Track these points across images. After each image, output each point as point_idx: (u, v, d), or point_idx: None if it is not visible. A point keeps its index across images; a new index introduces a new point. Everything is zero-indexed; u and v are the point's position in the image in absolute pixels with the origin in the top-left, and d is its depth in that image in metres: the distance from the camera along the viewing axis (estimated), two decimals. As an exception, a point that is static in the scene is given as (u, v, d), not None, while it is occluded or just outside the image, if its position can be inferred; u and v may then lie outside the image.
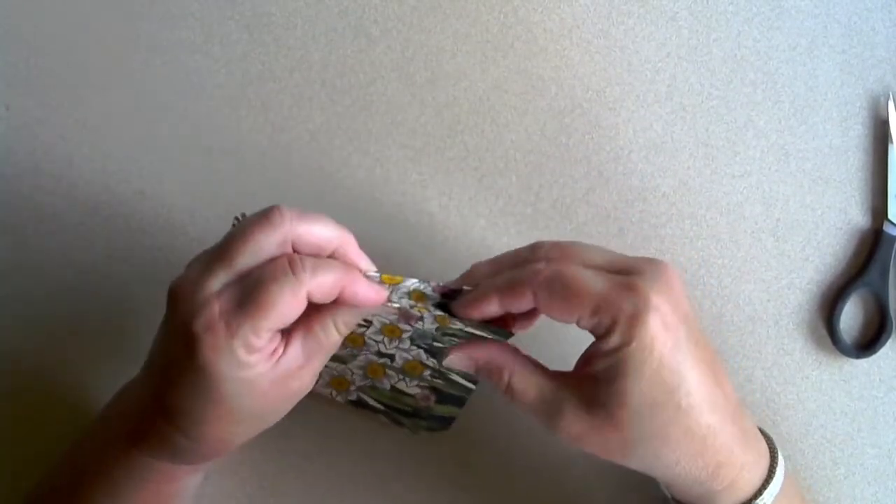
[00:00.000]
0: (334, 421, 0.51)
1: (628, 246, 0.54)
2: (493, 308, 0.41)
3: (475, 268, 0.44)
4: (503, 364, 0.42)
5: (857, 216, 0.55)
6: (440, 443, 0.51)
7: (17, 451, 0.50)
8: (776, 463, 0.42)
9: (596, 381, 0.39)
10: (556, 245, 0.42)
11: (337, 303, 0.40)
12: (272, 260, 0.38)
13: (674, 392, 0.38)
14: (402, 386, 0.50)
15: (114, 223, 0.54)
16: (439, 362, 0.49)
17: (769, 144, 0.56)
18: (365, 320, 0.48)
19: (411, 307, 0.43)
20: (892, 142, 0.55)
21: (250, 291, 0.37)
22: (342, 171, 0.55)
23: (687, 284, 0.54)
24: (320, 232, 0.39)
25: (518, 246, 0.44)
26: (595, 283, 0.38)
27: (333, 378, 0.50)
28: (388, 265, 0.42)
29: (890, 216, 0.54)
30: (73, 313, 0.53)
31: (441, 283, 0.42)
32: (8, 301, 0.53)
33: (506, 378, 0.42)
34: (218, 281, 0.38)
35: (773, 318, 0.54)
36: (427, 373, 0.49)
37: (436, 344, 0.48)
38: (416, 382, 0.50)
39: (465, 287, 0.42)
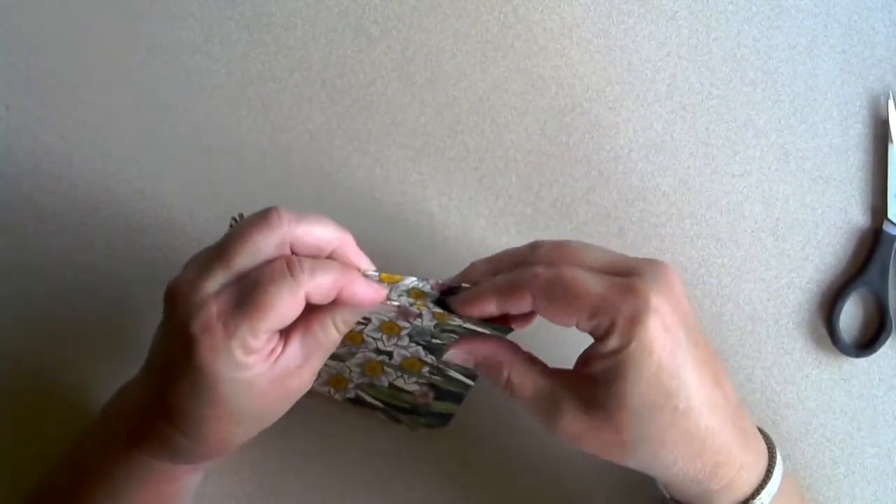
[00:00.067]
0: (334, 420, 0.51)
1: (628, 246, 0.54)
2: (490, 308, 0.41)
3: (473, 266, 0.44)
4: (503, 360, 0.42)
5: (857, 216, 0.55)
6: (440, 440, 0.51)
7: (17, 451, 0.50)
8: (775, 463, 0.42)
9: (595, 382, 0.39)
10: (555, 245, 0.42)
11: (336, 302, 0.40)
12: (270, 261, 0.38)
13: (673, 395, 0.38)
14: (400, 383, 0.50)
15: (114, 223, 0.54)
16: (438, 359, 0.49)
17: (769, 144, 0.56)
18: (363, 318, 0.48)
19: (411, 305, 0.43)
20: (892, 141, 0.55)
21: (248, 293, 0.37)
22: (342, 171, 0.55)
23: (687, 284, 0.54)
24: (319, 233, 0.39)
25: (517, 245, 0.43)
26: (593, 285, 0.38)
27: (331, 376, 0.50)
28: (388, 265, 0.42)
29: (890, 216, 0.54)
30: (73, 313, 0.53)
31: (440, 281, 0.42)
32: (8, 301, 0.53)
33: (505, 374, 0.42)
34: (215, 282, 0.38)
35: (773, 317, 0.54)
36: (425, 369, 0.49)
37: (434, 341, 0.48)
38: (414, 379, 0.50)
39: (463, 284, 0.42)
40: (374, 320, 0.48)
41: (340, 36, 0.57)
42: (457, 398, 0.50)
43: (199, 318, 0.37)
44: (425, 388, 0.50)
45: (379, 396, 0.50)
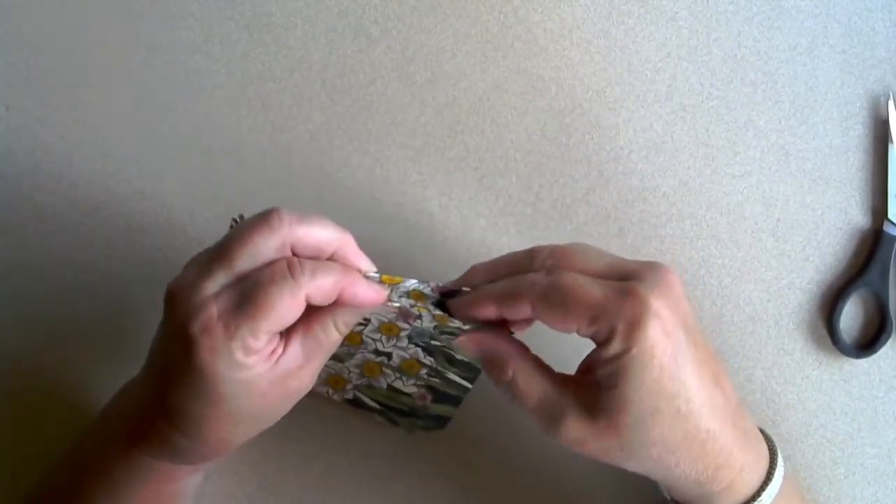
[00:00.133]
0: (334, 421, 0.51)
1: (628, 246, 0.54)
2: (489, 313, 0.41)
3: (474, 269, 0.44)
4: (510, 358, 0.42)
5: (857, 216, 0.55)
6: (439, 441, 0.51)
7: (17, 451, 0.50)
8: (776, 464, 0.42)
9: (597, 388, 0.39)
10: (555, 251, 0.41)
11: (337, 304, 0.40)
12: (271, 263, 0.38)
13: (674, 398, 0.38)
14: (398, 385, 0.50)
15: (114, 223, 0.54)
16: (436, 361, 0.49)
17: (769, 144, 0.56)
18: (363, 319, 0.48)
19: (411, 306, 0.43)
20: (892, 142, 0.55)
21: (249, 294, 0.37)
22: (342, 171, 0.55)
23: (687, 285, 0.54)
24: (319, 234, 0.39)
25: (518, 246, 0.43)
26: (592, 291, 0.38)
27: (330, 377, 0.50)
28: (388, 265, 0.42)
29: (890, 216, 0.54)
30: (73, 313, 0.53)
31: (440, 284, 0.42)
32: (8, 301, 0.53)
33: (509, 374, 0.41)
34: (215, 283, 0.38)
35: (773, 318, 0.54)
36: (424, 371, 0.49)
37: (433, 342, 0.48)
38: (412, 381, 0.50)
39: (464, 288, 0.42)
40: (373, 321, 0.48)
41: (340, 36, 0.57)
42: (455, 401, 0.50)
43: (198, 319, 0.37)
44: (423, 391, 0.50)
45: (377, 398, 0.50)
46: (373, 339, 0.48)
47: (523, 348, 0.43)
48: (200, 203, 0.54)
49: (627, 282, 0.39)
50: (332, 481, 0.51)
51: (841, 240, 0.55)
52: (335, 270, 0.39)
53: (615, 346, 0.38)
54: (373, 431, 0.51)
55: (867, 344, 0.54)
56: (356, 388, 0.50)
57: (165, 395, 0.39)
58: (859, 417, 0.53)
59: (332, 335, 0.41)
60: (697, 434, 0.39)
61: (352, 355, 0.49)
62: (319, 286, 0.38)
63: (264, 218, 0.38)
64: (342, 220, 0.41)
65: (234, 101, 0.56)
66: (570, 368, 0.42)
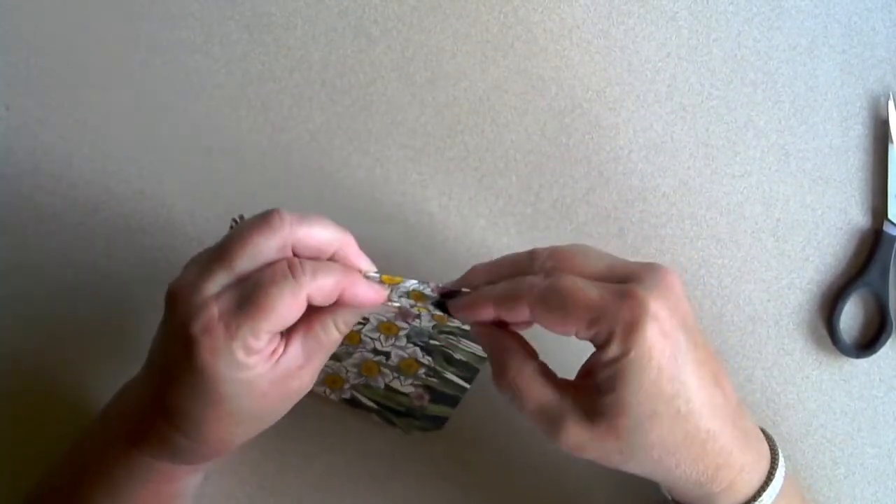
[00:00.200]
0: (333, 421, 0.51)
1: (628, 246, 0.54)
2: (487, 315, 0.41)
3: (474, 270, 0.43)
4: (515, 356, 0.41)
5: (857, 216, 0.55)
6: (439, 441, 0.51)
7: (17, 451, 0.50)
8: (776, 464, 0.42)
9: (597, 392, 0.39)
10: (554, 253, 0.41)
11: (337, 303, 0.40)
12: (272, 263, 0.38)
13: (673, 399, 0.38)
14: (396, 384, 0.50)
15: (114, 223, 0.54)
16: (435, 360, 0.49)
17: (769, 144, 0.56)
18: (363, 318, 0.48)
19: (411, 307, 0.43)
20: (892, 142, 0.55)
21: (249, 294, 0.37)
22: (342, 171, 0.55)
23: (687, 285, 0.54)
24: (320, 234, 0.39)
25: (518, 246, 0.44)
26: (591, 294, 0.38)
27: (328, 376, 0.50)
28: (388, 265, 0.42)
29: (890, 216, 0.54)
30: (73, 313, 0.53)
31: (440, 284, 0.42)
32: (8, 301, 0.53)
33: (511, 374, 0.41)
34: (216, 283, 0.38)
35: (774, 318, 0.54)
36: (422, 371, 0.49)
37: (432, 342, 0.48)
38: (410, 381, 0.50)
39: (463, 289, 0.42)
40: (372, 320, 0.48)
41: (340, 36, 0.57)
42: (452, 401, 0.50)
43: (199, 319, 0.37)
44: (421, 391, 0.50)
45: (374, 398, 0.50)
46: (371, 339, 0.48)
47: (530, 350, 0.42)
48: (200, 203, 0.54)
49: (626, 284, 0.39)
50: (331, 481, 0.51)
51: (841, 240, 0.55)
52: (336, 271, 0.39)
53: (614, 349, 0.37)
54: (372, 431, 0.51)
55: (867, 344, 0.54)
56: (354, 387, 0.50)
57: (166, 395, 0.39)
58: (859, 417, 0.53)
59: (332, 335, 0.41)
60: (697, 434, 0.39)
61: (350, 354, 0.49)
62: (320, 286, 0.38)
63: (265, 218, 0.38)
64: (342, 220, 0.41)
65: (234, 101, 0.56)
66: (571, 373, 0.42)
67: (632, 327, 0.37)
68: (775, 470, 0.42)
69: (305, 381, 0.41)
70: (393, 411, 0.51)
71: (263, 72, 0.56)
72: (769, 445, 0.43)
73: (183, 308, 0.37)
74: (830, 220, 0.55)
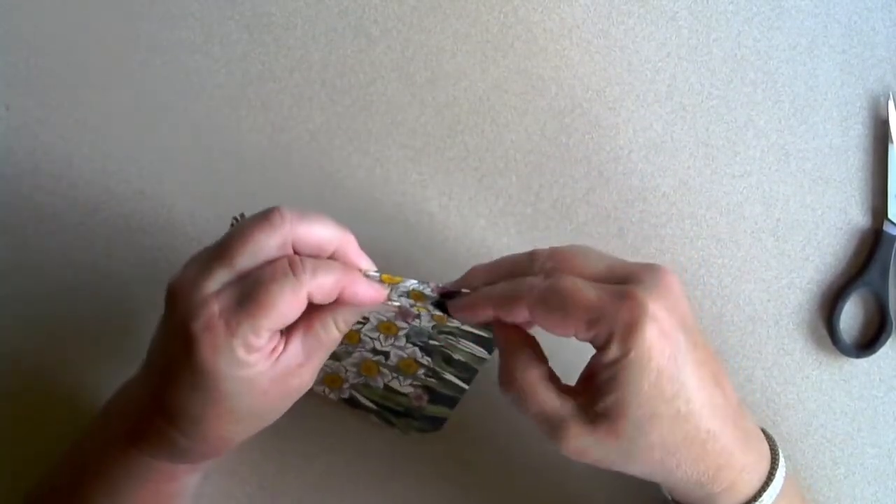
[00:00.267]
0: (333, 421, 0.51)
1: (628, 246, 0.54)
2: (486, 315, 0.41)
3: (473, 271, 0.43)
4: (524, 358, 0.41)
5: (857, 216, 0.55)
6: (439, 441, 0.51)
7: (17, 451, 0.50)
8: (777, 464, 0.42)
9: (598, 393, 0.39)
10: (554, 254, 0.41)
11: (337, 302, 0.40)
12: (273, 261, 0.38)
13: (673, 399, 0.38)
14: (395, 384, 0.50)
15: (114, 223, 0.54)
16: (434, 361, 0.49)
17: (769, 144, 0.56)
18: (362, 317, 0.48)
19: (411, 306, 0.43)
20: (892, 142, 0.55)
21: (250, 291, 0.37)
22: (342, 171, 0.55)
23: (687, 285, 0.54)
24: (320, 233, 0.39)
25: (518, 247, 0.44)
26: (590, 295, 0.38)
27: (327, 375, 0.50)
28: (388, 265, 0.42)
29: (890, 216, 0.54)
30: (73, 313, 0.53)
31: (440, 285, 0.43)
32: (8, 301, 0.53)
33: (517, 376, 0.41)
34: (216, 281, 0.38)
35: (774, 318, 0.54)
36: (421, 371, 0.49)
37: (431, 342, 0.48)
38: (409, 381, 0.50)
39: (463, 290, 0.42)
40: (372, 320, 0.48)
41: (340, 36, 0.57)
42: (451, 402, 0.50)
43: (200, 316, 0.37)
44: (420, 391, 0.50)
45: (373, 398, 0.50)
46: (371, 338, 0.48)
47: (541, 354, 0.42)
48: (200, 203, 0.54)
49: (625, 285, 0.39)
50: (331, 481, 0.51)
51: (841, 240, 0.55)
52: (336, 269, 0.39)
53: (613, 351, 0.37)
54: (372, 431, 0.51)
55: (867, 344, 0.54)
56: (353, 387, 0.50)
57: (165, 393, 0.39)
58: (859, 417, 0.53)
59: (332, 333, 0.41)
60: (698, 434, 0.39)
61: (349, 354, 0.49)
62: (321, 284, 0.38)
63: (266, 216, 0.38)
64: (342, 220, 0.41)
65: (234, 101, 0.56)
66: (573, 376, 0.42)
67: (631, 328, 0.37)
68: (776, 470, 0.42)
69: (305, 379, 0.41)
70: (392, 411, 0.51)
71: (263, 72, 0.56)
72: (770, 446, 0.43)
73: (183, 305, 0.37)
74: (830, 220, 0.55)
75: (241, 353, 0.37)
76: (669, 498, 0.44)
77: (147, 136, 0.55)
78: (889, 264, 0.54)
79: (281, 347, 0.39)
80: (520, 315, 0.40)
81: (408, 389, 0.50)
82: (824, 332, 0.54)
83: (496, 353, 0.50)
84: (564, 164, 0.55)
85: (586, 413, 0.39)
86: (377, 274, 0.41)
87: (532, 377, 0.40)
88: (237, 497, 0.51)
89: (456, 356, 0.50)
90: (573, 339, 0.40)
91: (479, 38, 0.57)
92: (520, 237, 0.54)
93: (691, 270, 0.54)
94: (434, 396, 0.50)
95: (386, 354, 0.49)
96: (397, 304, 0.42)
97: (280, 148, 0.55)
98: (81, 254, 0.53)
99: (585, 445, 0.39)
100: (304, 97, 0.56)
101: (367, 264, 0.41)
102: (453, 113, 0.56)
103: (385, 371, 0.50)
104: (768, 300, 0.54)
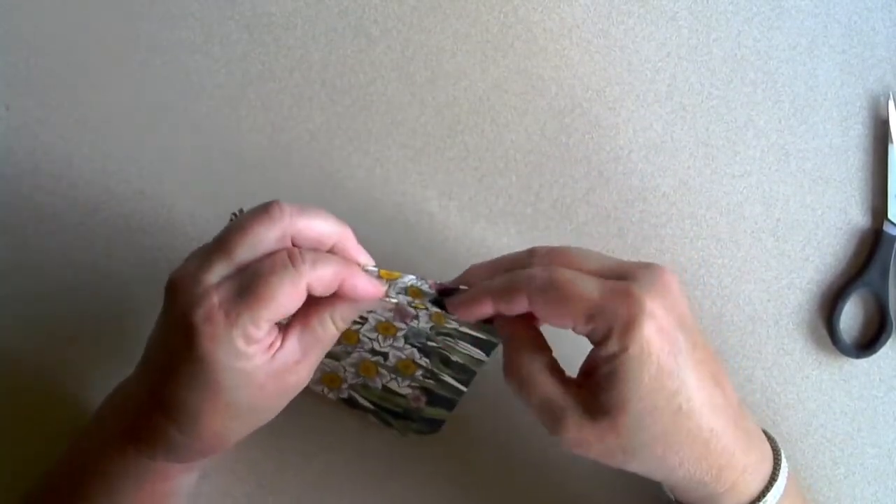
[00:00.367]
0: (332, 420, 0.51)
1: (628, 246, 0.54)
2: (486, 309, 0.41)
3: (472, 269, 0.44)
4: (528, 348, 0.41)
5: (857, 216, 0.55)
6: (438, 440, 0.51)
7: (17, 451, 0.50)
8: (779, 465, 0.42)
9: (598, 388, 0.39)
10: (553, 251, 0.41)
11: (335, 296, 0.40)
12: (272, 253, 0.38)
13: (674, 396, 0.38)
14: (393, 385, 0.50)
15: (114, 223, 0.54)
16: (432, 362, 0.49)
17: (769, 144, 0.56)
18: (360, 317, 0.48)
19: (409, 303, 0.43)
20: (892, 142, 0.55)
21: (250, 283, 0.37)
22: (342, 171, 0.55)
23: (687, 285, 0.54)
24: (319, 226, 0.40)
25: (518, 246, 0.43)
26: (590, 289, 0.38)
27: (326, 375, 0.50)
28: (388, 265, 0.42)
29: (890, 216, 0.54)
30: (73, 313, 0.53)
31: (438, 282, 0.43)
32: (8, 301, 0.53)
33: (520, 365, 0.41)
34: (216, 273, 0.38)
35: (774, 318, 0.54)
36: (419, 373, 0.49)
37: (430, 343, 0.48)
38: (407, 382, 0.50)
39: (461, 287, 0.42)
40: (370, 320, 0.48)
41: (340, 36, 0.57)
42: (449, 404, 0.50)
43: (200, 307, 0.37)
44: (418, 392, 0.50)
45: (371, 398, 0.50)
46: (369, 339, 0.48)
47: (544, 344, 0.42)
48: (200, 203, 0.54)
49: (624, 282, 0.39)
50: (330, 480, 0.51)
51: (841, 240, 0.55)
52: (336, 261, 0.40)
53: (612, 346, 0.38)
54: (371, 431, 0.51)
55: (867, 344, 0.54)
56: (351, 387, 0.50)
57: (164, 387, 0.39)
58: (859, 417, 0.53)
59: (329, 330, 0.41)
60: (700, 433, 0.39)
61: (348, 354, 0.49)
62: (320, 276, 0.38)
63: (265, 209, 0.39)
64: (342, 219, 0.41)
65: (234, 101, 0.56)
66: (573, 369, 0.42)
67: (629, 324, 0.37)
68: (778, 471, 0.42)
69: (302, 376, 0.41)
70: (390, 413, 0.51)
71: (263, 72, 0.56)
72: (771, 447, 0.43)
73: (184, 297, 0.38)
74: (830, 220, 0.55)
75: (240, 344, 0.37)
76: (672, 498, 0.44)
77: (147, 136, 0.55)
78: (889, 264, 0.54)
79: (278, 343, 0.39)
80: (519, 307, 0.40)
81: (406, 391, 0.50)
82: (824, 332, 0.54)
83: (494, 355, 0.50)
84: (564, 164, 0.55)
85: (587, 406, 0.39)
86: (375, 269, 0.41)
87: (533, 367, 0.41)
88: (235, 496, 0.51)
89: (454, 358, 0.50)
90: (574, 333, 0.40)
91: (479, 38, 0.57)
92: (520, 237, 0.54)
93: (691, 270, 0.54)
94: (432, 398, 0.50)
95: (384, 355, 0.49)
96: (395, 300, 0.42)
97: (280, 148, 0.55)
98: (81, 254, 0.53)
99: (585, 438, 0.39)
100: (304, 97, 0.56)
101: (365, 258, 0.41)
102: (453, 113, 0.56)
103: (383, 372, 0.50)
104: (768, 300, 0.54)
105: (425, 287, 0.42)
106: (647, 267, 0.40)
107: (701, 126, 0.56)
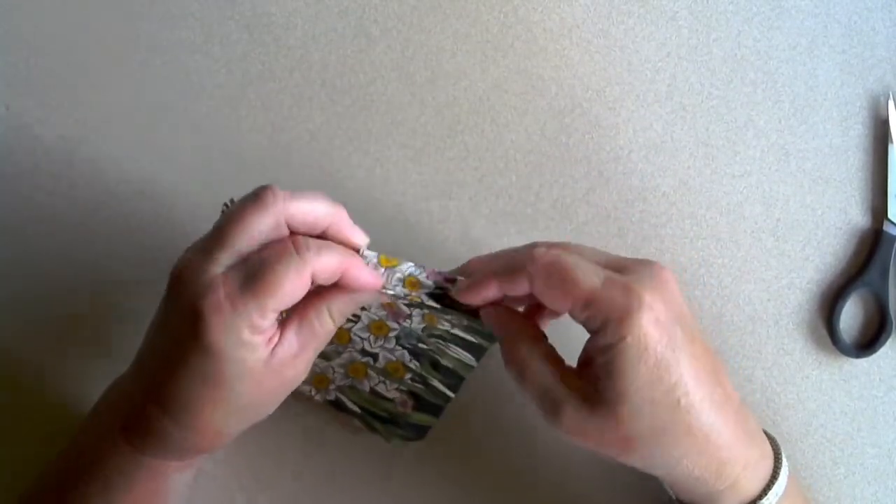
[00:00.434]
0: (332, 419, 0.51)
1: (628, 246, 0.54)
2: (491, 292, 0.42)
3: (473, 262, 0.44)
4: (525, 337, 0.42)
5: (857, 216, 0.55)
6: (438, 440, 0.51)
7: (17, 451, 0.50)
8: (780, 464, 0.42)
9: (596, 379, 0.39)
10: (554, 245, 0.42)
11: (333, 290, 0.41)
12: (277, 242, 0.39)
13: (672, 390, 0.38)
14: (381, 389, 0.50)
15: (114, 223, 0.54)
16: (422, 365, 0.49)
17: (769, 144, 0.56)
18: (354, 315, 0.48)
19: (405, 296, 0.43)
20: (892, 142, 0.55)
21: (255, 272, 0.38)
22: (342, 171, 0.55)
23: (687, 285, 0.54)
24: (313, 209, 0.40)
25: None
26: (591, 276, 0.39)
27: (315, 375, 0.50)
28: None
29: (890, 216, 0.54)
30: (72, 313, 0.53)
31: (437, 270, 0.43)
32: (8, 301, 0.53)
33: (519, 354, 0.41)
34: (220, 264, 0.38)
35: (774, 318, 0.54)
36: (408, 376, 0.49)
37: (420, 345, 0.48)
38: (395, 386, 0.50)
39: (459, 277, 0.43)
40: (363, 319, 0.48)
41: (340, 36, 0.57)
42: (436, 410, 0.50)
43: (208, 297, 0.37)
44: (405, 397, 0.50)
45: (359, 402, 0.50)
46: (361, 338, 0.48)
47: (539, 333, 0.43)
48: (200, 203, 0.54)
49: (623, 275, 0.39)
50: (329, 479, 0.51)
51: (841, 240, 0.55)
52: (340, 251, 0.40)
53: (607, 335, 0.38)
54: (366, 431, 0.51)
55: (867, 344, 0.54)
56: (339, 389, 0.50)
57: (163, 378, 0.39)
58: (859, 417, 0.53)
59: (326, 324, 0.41)
60: (699, 428, 0.39)
61: (339, 354, 0.49)
62: (325, 264, 0.39)
63: (257, 196, 0.39)
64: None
65: (234, 101, 0.56)
66: (574, 361, 0.42)
67: (626, 315, 0.38)
68: (779, 470, 0.42)
69: (300, 369, 0.41)
70: (376, 417, 0.50)
71: (263, 72, 0.56)
72: (773, 447, 0.43)
73: (191, 288, 0.38)
74: (830, 220, 0.55)
75: (246, 334, 0.38)
76: (672, 497, 0.44)
77: (147, 136, 0.55)
78: (889, 264, 0.54)
79: (276, 338, 0.40)
80: (521, 288, 0.41)
81: (394, 394, 0.50)
82: (824, 332, 0.54)
83: (484, 360, 0.50)
84: (564, 164, 0.55)
85: (585, 396, 0.39)
86: (375, 255, 0.41)
87: (532, 355, 0.41)
88: (233, 494, 0.51)
89: (444, 362, 0.50)
90: (568, 329, 0.40)
91: (479, 38, 0.57)
92: (520, 237, 0.54)
93: (691, 270, 0.54)
94: (420, 403, 0.50)
95: (374, 356, 0.49)
96: (392, 293, 0.42)
97: (280, 148, 0.55)
98: (81, 254, 0.53)
99: (583, 427, 0.39)
100: (304, 97, 0.56)
101: (361, 237, 0.42)
102: (453, 113, 0.56)
103: (372, 374, 0.50)
104: (768, 300, 0.54)
105: (423, 276, 0.42)
106: (646, 263, 0.41)
107: (701, 126, 0.56)
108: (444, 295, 0.43)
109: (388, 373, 0.50)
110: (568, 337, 0.42)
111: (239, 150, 0.55)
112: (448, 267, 0.44)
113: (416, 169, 0.55)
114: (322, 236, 0.41)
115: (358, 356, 0.49)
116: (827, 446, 0.53)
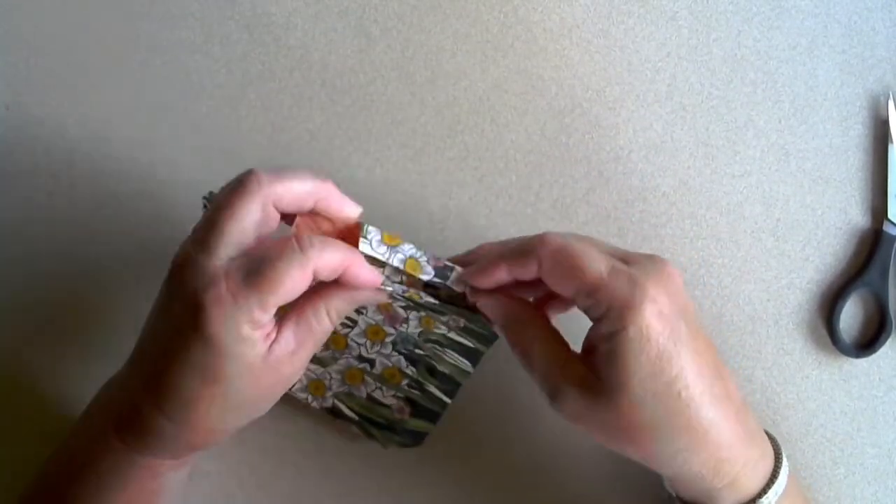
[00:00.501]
0: (331, 418, 0.51)
1: (628, 246, 0.54)
2: (500, 275, 0.42)
3: (484, 246, 0.45)
4: (530, 320, 0.42)
5: (857, 216, 0.55)
6: (438, 441, 0.51)
7: (17, 451, 0.50)
8: (780, 463, 0.42)
9: (598, 366, 0.39)
10: (565, 233, 0.42)
11: (332, 287, 0.41)
12: (281, 239, 0.39)
13: (674, 382, 0.38)
14: (378, 395, 0.50)
15: (114, 223, 0.54)
16: (418, 371, 0.49)
17: (769, 144, 0.56)
18: (350, 319, 0.48)
19: (403, 292, 0.43)
20: (892, 142, 0.55)
21: (258, 267, 0.38)
22: (342, 171, 0.55)
23: (687, 285, 0.53)
24: (297, 187, 0.40)
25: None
26: (597, 263, 0.39)
27: (311, 381, 0.50)
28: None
29: (890, 216, 0.54)
30: (72, 313, 0.53)
31: (438, 256, 0.43)
32: (8, 301, 0.53)
33: (524, 337, 0.42)
34: (219, 256, 0.38)
35: (774, 318, 0.54)
36: (405, 382, 0.49)
37: (417, 351, 0.48)
38: (392, 392, 0.50)
39: (457, 267, 0.42)
40: (360, 323, 0.48)
41: (340, 36, 0.57)
42: (433, 417, 0.50)
43: (210, 289, 0.37)
44: (402, 403, 0.50)
45: (355, 408, 0.50)
46: (357, 344, 0.48)
47: (545, 317, 0.43)
48: (200, 203, 0.54)
49: (628, 265, 0.40)
50: (329, 479, 0.51)
51: (841, 240, 0.55)
52: (342, 247, 0.40)
53: (609, 323, 0.38)
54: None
55: (867, 344, 0.54)
56: (336, 395, 0.50)
57: (161, 372, 0.39)
58: (859, 417, 0.53)
59: (323, 322, 0.41)
60: (699, 422, 0.39)
61: (336, 360, 0.49)
62: (327, 261, 0.39)
63: (240, 182, 0.39)
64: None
65: (234, 101, 0.56)
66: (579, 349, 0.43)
67: (629, 305, 0.38)
68: (779, 469, 0.42)
69: (296, 367, 0.41)
70: (373, 423, 0.50)
71: (263, 72, 0.56)
72: (773, 446, 0.43)
73: (192, 280, 0.38)
74: (830, 220, 0.55)
75: (245, 328, 0.38)
76: (673, 494, 0.44)
77: (147, 136, 0.55)
78: (889, 264, 0.54)
79: (274, 334, 0.40)
80: (530, 271, 0.41)
81: (391, 401, 0.50)
82: (824, 332, 0.54)
83: (483, 364, 0.50)
84: (564, 164, 0.55)
85: (588, 382, 0.40)
86: (378, 231, 0.41)
87: (536, 338, 0.42)
88: (232, 493, 0.51)
89: (441, 367, 0.50)
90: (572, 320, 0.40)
91: (479, 38, 0.57)
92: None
93: (691, 270, 0.54)
94: (417, 410, 0.50)
95: (371, 362, 0.49)
96: (390, 289, 0.42)
97: (280, 148, 0.55)
98: (81, 254, 0.53)
99: (584, 413, 0.40)
100: (304, 97, 0.56)
101: (352, 208, 0.42)
102: (453, 113, 0.56)
103: (369, 380, 0.50)
104: (768, 300, 0.54)
105: (423, 259, 0.42)
106: (651, 258, 0.41)
107: (701, 126, 0.56)
108: (442, 289, 0.43)
109: (384, 379, 0.50)
110: (575, 327, 0.42)
111: (239, 150, 0.55)
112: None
113: (416, 169, 0.55)
114: (313, 211, 0.41)
115: (355, 362, 0.49)
116: (827, 446, 0.53)
